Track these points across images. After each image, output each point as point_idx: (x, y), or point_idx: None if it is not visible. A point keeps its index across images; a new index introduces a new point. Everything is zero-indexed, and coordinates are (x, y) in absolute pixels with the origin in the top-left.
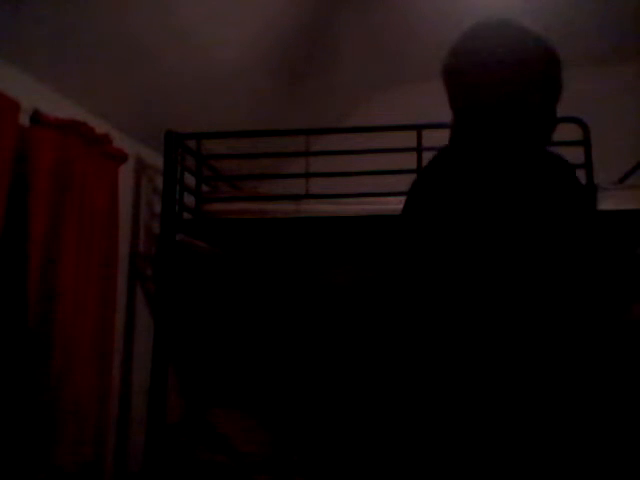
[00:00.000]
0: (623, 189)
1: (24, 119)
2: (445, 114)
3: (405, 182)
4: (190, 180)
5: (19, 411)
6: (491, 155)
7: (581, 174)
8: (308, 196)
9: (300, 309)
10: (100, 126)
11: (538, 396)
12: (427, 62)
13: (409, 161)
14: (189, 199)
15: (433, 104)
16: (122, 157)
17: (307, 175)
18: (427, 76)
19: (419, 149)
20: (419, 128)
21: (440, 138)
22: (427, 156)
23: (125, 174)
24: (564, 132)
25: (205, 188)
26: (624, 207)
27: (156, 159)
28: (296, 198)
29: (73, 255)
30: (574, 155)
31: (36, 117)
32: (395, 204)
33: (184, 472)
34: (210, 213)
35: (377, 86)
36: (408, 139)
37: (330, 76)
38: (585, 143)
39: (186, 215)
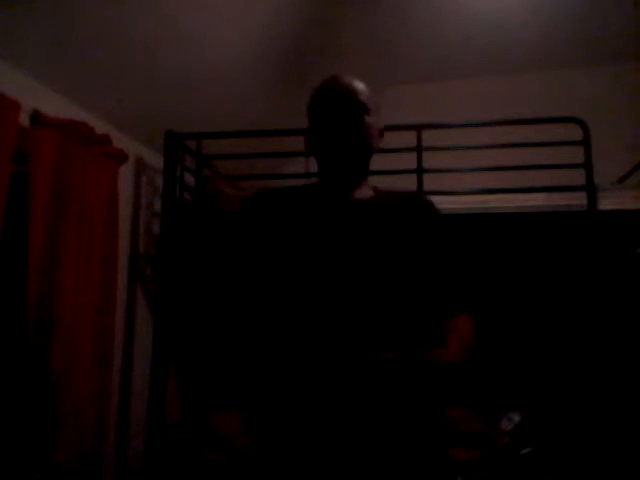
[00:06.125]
0: (623, 189)
1: (24, 119)
2: (445, 114)
3: (405, 182)
4: (190, 180)
5: (19, 411)
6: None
7: (581, 174)
8: None
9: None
10: (100, 126)
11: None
12: (427, 62)
13: (409, 161)
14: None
15: (433, 104)
16: (122, 157)
17: (307, 175)
18: (427, 76)
19: (419, 149)
20: (419, 128)
21: (440, 138)
22: (427, 156)
23: (125, 174)
24: (564, 132)
25: None
26: (624, 207)
27: (156, 159)
28: None
29: (73, 255)
30: (574, 155)
31: (36, 117)
32: None
33: (184, 472)
34: None
35: (377, 86)
36: (408, 139)
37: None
38: (585, 143)
39: None
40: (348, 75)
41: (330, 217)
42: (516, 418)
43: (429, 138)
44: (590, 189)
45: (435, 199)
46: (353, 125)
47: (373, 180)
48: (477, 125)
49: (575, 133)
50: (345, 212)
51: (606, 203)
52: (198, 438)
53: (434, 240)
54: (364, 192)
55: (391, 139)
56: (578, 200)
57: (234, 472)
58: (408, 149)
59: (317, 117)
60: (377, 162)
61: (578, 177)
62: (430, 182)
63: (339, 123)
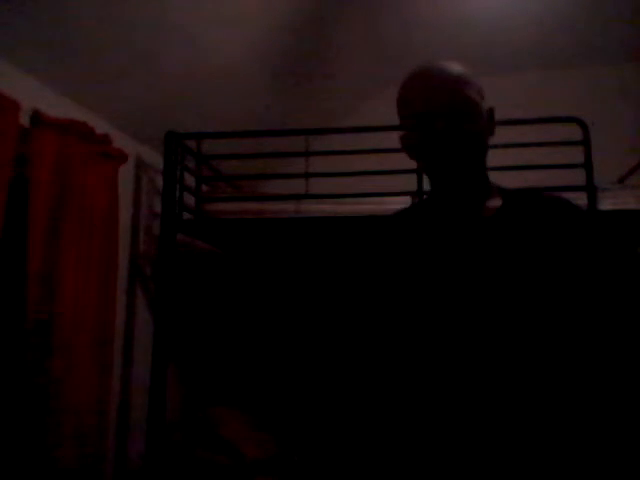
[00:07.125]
0: (623, 189)
1: (24, 119)
2: None
3: (405, 182)
4: (190, 180)
5: (20, 412)
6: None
7: (581, 174)
8: (308, 196)
9: (298, 308)
10: (100, 126)
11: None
12: (427, 62)
13: (409, 161)
14: (189, 199)
15: None
16: (122, 157)
17: (307, 175)
18: None
19: None
20: None
21: None
22: None
23: (125, 174)
24: (564, 132)
25: (205, 188)
26: (624, 207)
27: (156, 159)
28: (296, 198)
29: (73, 255)
30: (574, 155)
31: (36, 117)
32: (395, 204)
33: (184, 472)
34: (210, 213)
35: (377, 86)
36: None
37: (330, 76)
38: (585, 143)
39: (186, 215)
40: (447, 67)
41: (457, 246)
42: None
43: None
44: (590, 189)
45: None
46: (471, 140)
47: (370, 181)
48: None
49: (575, 133)
50: (475, 237)
51: (606, 203)
52: (198, 438)
53: (606, 272)
54: (491, 201)
55: (391, 139)
56: (578, 200)
57: (234, 472)
58: None
59: (422, 127)
60: (377, 162)
61: (578, 177)
62: None
63: (455, 143)
